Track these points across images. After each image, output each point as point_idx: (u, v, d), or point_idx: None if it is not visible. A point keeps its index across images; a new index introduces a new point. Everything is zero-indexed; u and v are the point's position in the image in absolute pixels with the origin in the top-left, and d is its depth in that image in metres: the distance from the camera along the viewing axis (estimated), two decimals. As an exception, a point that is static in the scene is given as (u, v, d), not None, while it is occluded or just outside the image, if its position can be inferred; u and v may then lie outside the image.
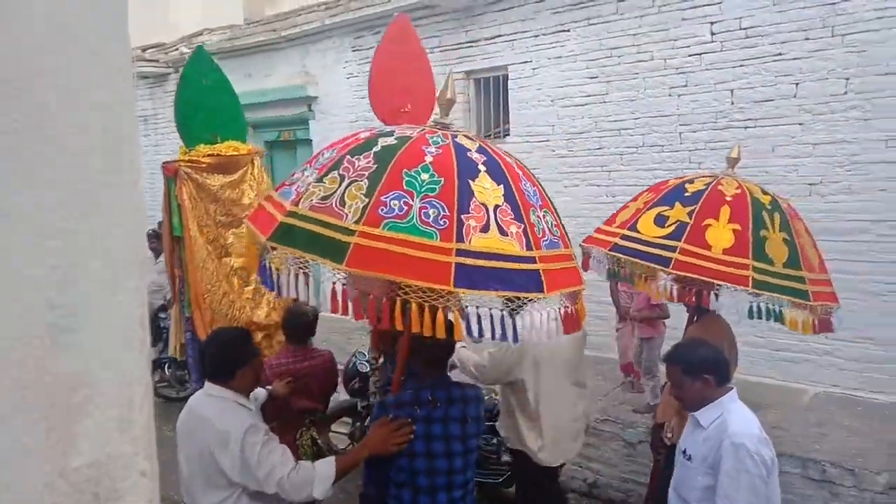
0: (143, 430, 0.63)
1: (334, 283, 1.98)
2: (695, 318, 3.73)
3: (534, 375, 3.31)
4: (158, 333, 6.66)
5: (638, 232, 3.23)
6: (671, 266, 3.02)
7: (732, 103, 5.93)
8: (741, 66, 5.84)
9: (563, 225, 2.40)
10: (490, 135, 7.67)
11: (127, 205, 0.61)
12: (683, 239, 3.04)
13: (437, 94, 2.56)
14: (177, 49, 10.71)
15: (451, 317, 1.91)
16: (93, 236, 0.57)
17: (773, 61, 5.68)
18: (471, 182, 2.07)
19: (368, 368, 5.28)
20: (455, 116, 7.67)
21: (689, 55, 6.10)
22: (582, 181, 6.85)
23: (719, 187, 3.23)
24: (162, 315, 6.55)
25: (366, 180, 2.03)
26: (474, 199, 2.04)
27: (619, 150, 6.58)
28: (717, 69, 5.96)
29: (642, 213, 3.33)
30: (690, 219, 3.10)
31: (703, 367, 2.55)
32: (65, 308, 0.54)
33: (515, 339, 2.01)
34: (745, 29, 5.81)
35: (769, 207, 3.13)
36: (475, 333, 1.98)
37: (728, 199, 3.13)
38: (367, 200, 1.98)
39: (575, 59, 6.71)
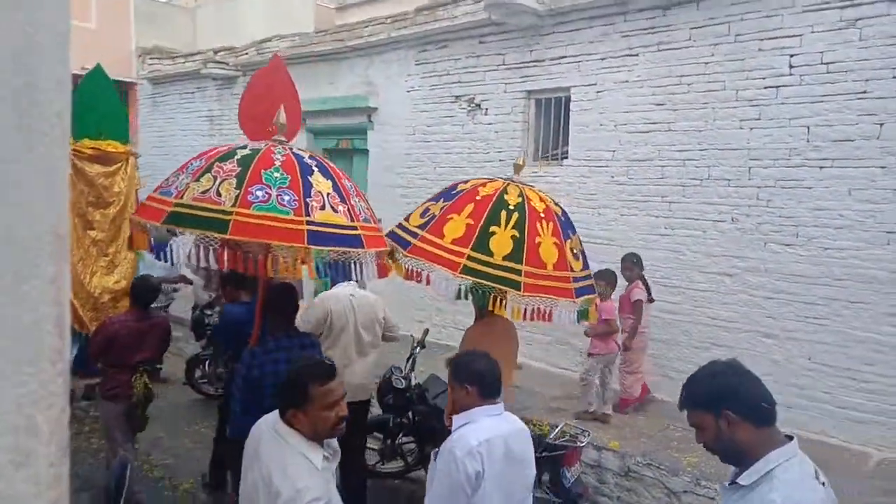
0: (49, 467, 0.49)
1: (218, 247, 2.79)
2: (479, 316, 3.97)
3: (328, 326, 4.32)
4: (203, 330, 6.69)
5: (407, 221, 3.70)
6: (408, 250, 3.44)
7: (808, 140, 5.59)
8: (820, 101, 5.50)
9: (371, 208, 3.37)
10: (548, 156, 7.48)
11: (40, 179, 0.48)
12: (426, 229, 3.45)
13: (275, 122, 3.35)
14: (246, 53, 10.94)
15: (307, 265, 2.82)
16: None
17: (856, 99, 5.33)
18: (309, 177, 2.96)
19: (403, 384, 5.17)
20: (514, 136, 7.54)
21: (765, 87, 5.79)
22: (640, 211, 6.58)
23: (481, 188, 3.57)
24: (208, 312, 6.57)
25: (234, 178, 2.84)
26: (313, 188, 2.93)
27: (683, 181, 6.29)
28: (793, 104, 5.64)
29: (419, 207, 3.80)
30: (440, 212, 3.49)
31: (467, 377, 2.62)
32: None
33: (348, 278, 3.18)
34: (826, 64, 5.48)
35: (512, 208, 3.41)
36: (322, 276, 2.95)
37: (478, 198, 3.48)
38: (237, 192, 2.78)
39: (642, 84, 6.48)
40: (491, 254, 3.24)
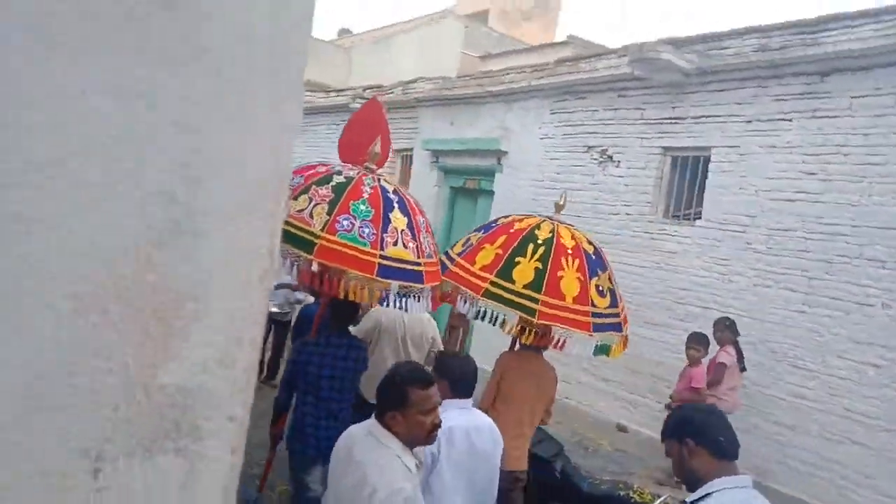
0: (243, 373, 0.55)
1: (299, 264, 3.28)
2: (514, 346, 4.10)
3: (376, 336, 4.59)
4: None
5: (451, 249, 4.03)
6: (445, 273, 3.71)
7: (984, 227, 5.02)
8: None
9: (435, 242, 3.70)
10: (679, 215, 7.25)
11: (278, 124, 0.55)
12: (462, 255, 3.78)
13: (370, 150, 3.81)
14: (392, 92, 11.59)
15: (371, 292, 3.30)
16: (234, 142, 0.51)
17: None
18: (389, 214, 3.32)
19: None
20: (644, 190, 7.39)
21: (934, 165, 5.31)
22: (775, 283, 6.17)
23: (517, 222, 3.86)
24: None
25: (326, 205, 3.21)
26: (391, 224, 3.29)
27: (829, 257, 5.84)
28: (969, 185, 5.11)
29: (464, 237, 4.12)
30: (476, 242, 3.82)
31: (442, 372, 2.97)
32: (188, 208, 0.49)
33: (406, 309, 3.46)
34: None
35: (540, 242, 3.64)
36: (385, 305, 3.44)
37: (511, 230, 3.77)
38: (327, 218, 3.16)
39: (791, 150, 6.15)
40: (513, 281, 3.51)
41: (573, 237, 3.79)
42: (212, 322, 0.52)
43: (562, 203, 4.17)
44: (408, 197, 3.63)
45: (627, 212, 7.52)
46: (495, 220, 4.07)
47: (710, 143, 6.80)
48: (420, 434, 2.28)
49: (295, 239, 3.14)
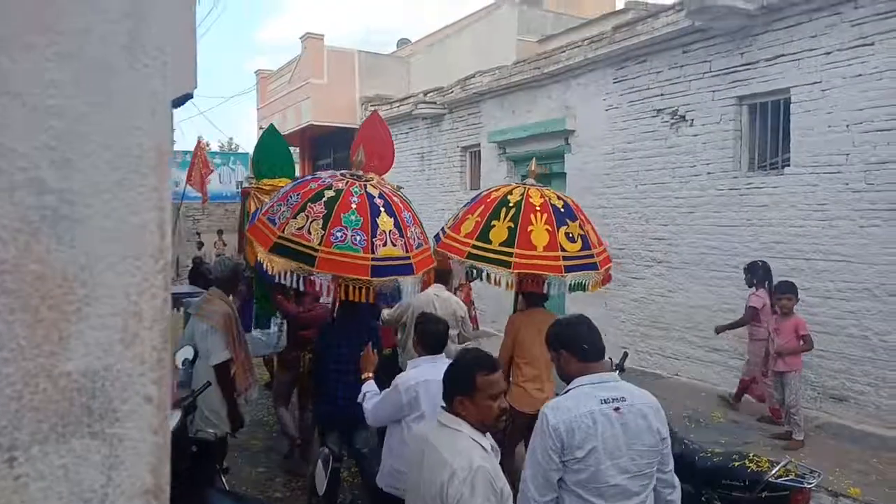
0: (152, 351, 0.55)
1: (308, 276, 3.66)
2: (524, 308, 4.58)
3: (410, 319, 4.79)
4: None
5: (446, 224, 4.51)
6: (438, 245, 4.32)
7: None
8: None
9: (424, 230, 4.22)
10: (765, 165, 6.79)
11: (146, 99, 0.55)
12: (451, 228, 4.33)
13: (355, 159, 4.39)
14: (452, 92, 11.61)
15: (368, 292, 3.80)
16: (103, 123, 0.52)
17: None
18: (377, 219, 3.71)
19: None
20: (724, 146, 6.99)
21: None
22: (884, 221, 5.64)
23: (493, 192, 4.38)
24: None
25: (321, 220, 3.63)
26: (379, 228, 3.69)
27: (940, 183, 5.28)
28: None
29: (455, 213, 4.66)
30: (461, 214, 4.37)
31: (417, 334, 3.52)
32: (61, 193, 0.49)
33: (401, 296, 4.21)
34: None
35: (511, 205, 4.15)
36: (381, 301, 4.19)
37: (488, 200, 4.28)
38: (323, 232, 3.59)
39: (880, 76, 5.61)
40: (490, 242, 4.04)
41: (542, 195, 4.26)
42: (106, 303, 0.53)
43: (533, 169, 4.74)
44: (392, 197, 4.07)
45: (709, 171, 7.13)
46: (479, 194, 4.63)
47: (787, 83, 6.33)
48: (488, 418, 2.27)
49: (298, 255, 3.59)
